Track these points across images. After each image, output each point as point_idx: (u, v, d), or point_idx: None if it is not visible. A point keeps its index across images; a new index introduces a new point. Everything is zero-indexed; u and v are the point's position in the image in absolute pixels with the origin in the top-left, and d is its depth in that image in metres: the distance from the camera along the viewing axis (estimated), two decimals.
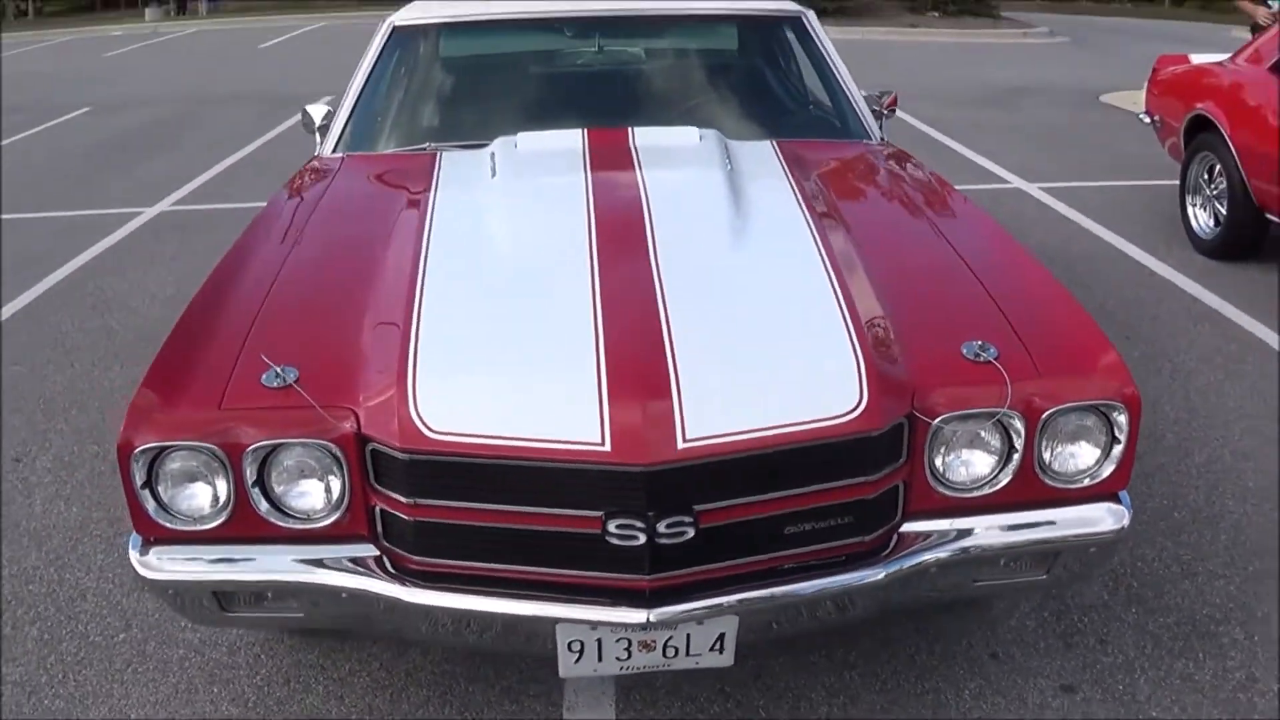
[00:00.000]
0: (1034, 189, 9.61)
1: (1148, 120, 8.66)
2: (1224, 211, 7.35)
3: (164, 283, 7.18)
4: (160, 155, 11.98)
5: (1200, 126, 7.63)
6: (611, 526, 2.53)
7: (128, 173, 11.06)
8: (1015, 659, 3.44)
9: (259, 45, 26.99)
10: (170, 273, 7.40)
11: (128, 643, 3.62)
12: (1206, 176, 7.62)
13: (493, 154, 4.05)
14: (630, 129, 4.24)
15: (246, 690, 3.38)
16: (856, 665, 3.41)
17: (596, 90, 5.33)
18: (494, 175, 3.87)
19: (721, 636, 2.69)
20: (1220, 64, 7.90)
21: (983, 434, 2.77)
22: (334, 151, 4.68)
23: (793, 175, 3.91)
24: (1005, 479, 2.78)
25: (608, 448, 2.49)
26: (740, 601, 2.65)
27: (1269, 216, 6.96)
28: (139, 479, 2.64)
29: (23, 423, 5.17)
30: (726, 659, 2.75)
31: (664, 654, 2.70)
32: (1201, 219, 7.69)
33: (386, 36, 5.04)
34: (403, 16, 5.15)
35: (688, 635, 2.68)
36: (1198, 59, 8.40)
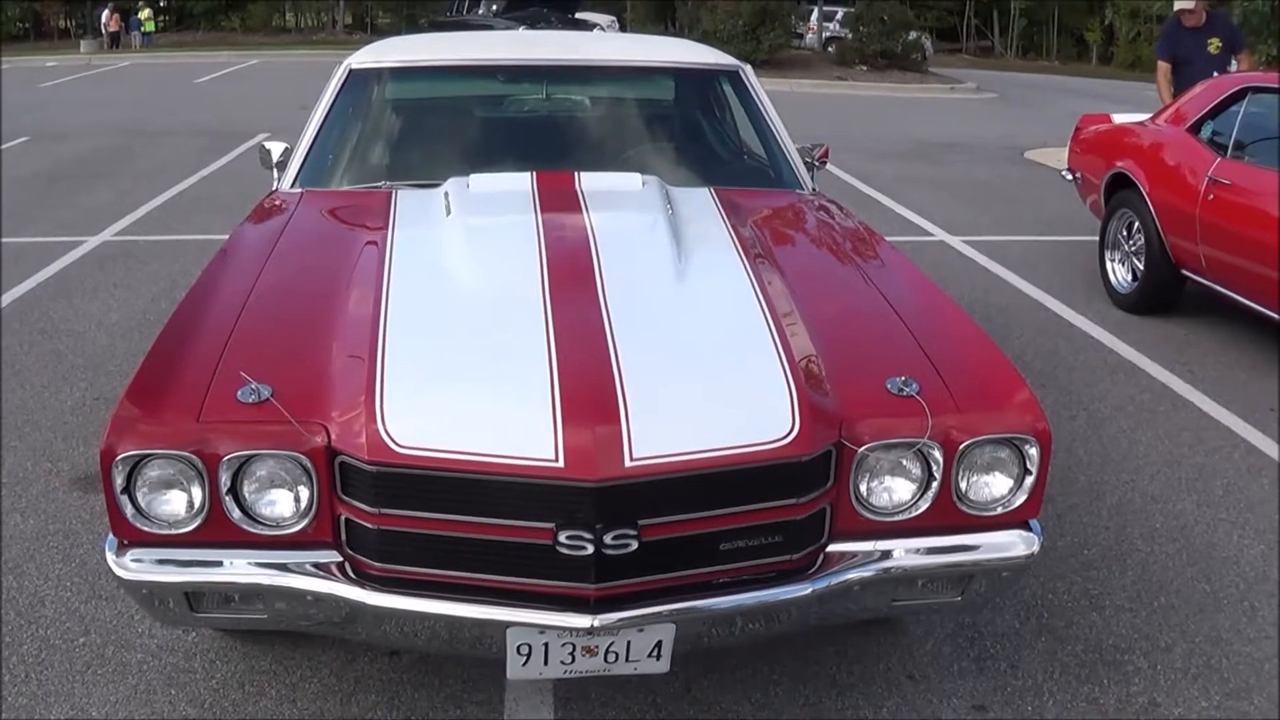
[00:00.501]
0: (957, 242, 9.95)
1: (1070, 177, 8.98)
2: (1141, 267, 7.68)
3: (109, 309, 7.27)
4: (102, 185, 12.04)
5: (1120, 184, 7.95)
6: (562, 537, 2.74)
7: (70, 201, 11.10)
8: (930, 680, 3.66)
9: (195, 80, 27.05)
10: (115, 300, 7.48)
11: (87, 646, 3.75)
12: (1125, 233, 7.95)
13: (446, 193, 4.25)
14: (576, 173, 4.46)
15: (203, 693, 3.53)
16: (781, 682, 3.60)
17: (544, 135, 5.57)
18: (448, 214, 4.07)
19: (659, 644, 2.89)
20: (1141, 123, 8.24)
21: (905, 462, 3.00)
22: (292, 186, 4.85)
23: (730, 221, 4.16)
24: (925, 505, 3.02)
25: (561, 464, 2.70)
26: (677, 610, 2.85)
27: (1185, 273, 7.30)
28: (119, 484, 2.81)
29: None
30: (663, 665, 2.95)
31: (605, 659, 2.90)
32: (1120, 274, 8.02)
33: (344, 78, 5.23)
34: (360, 59, 5.35)
35: (628, 642, 2.87)
36: (1120, 118, 8.75)
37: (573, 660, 2.90)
